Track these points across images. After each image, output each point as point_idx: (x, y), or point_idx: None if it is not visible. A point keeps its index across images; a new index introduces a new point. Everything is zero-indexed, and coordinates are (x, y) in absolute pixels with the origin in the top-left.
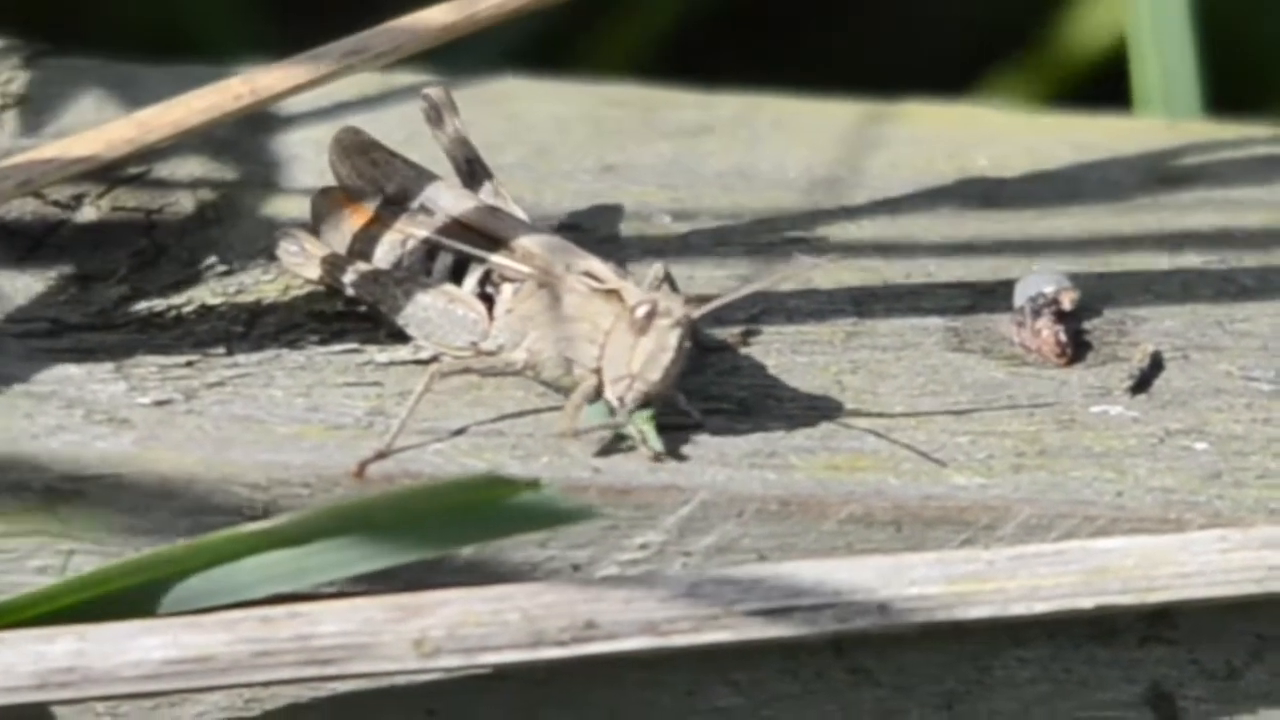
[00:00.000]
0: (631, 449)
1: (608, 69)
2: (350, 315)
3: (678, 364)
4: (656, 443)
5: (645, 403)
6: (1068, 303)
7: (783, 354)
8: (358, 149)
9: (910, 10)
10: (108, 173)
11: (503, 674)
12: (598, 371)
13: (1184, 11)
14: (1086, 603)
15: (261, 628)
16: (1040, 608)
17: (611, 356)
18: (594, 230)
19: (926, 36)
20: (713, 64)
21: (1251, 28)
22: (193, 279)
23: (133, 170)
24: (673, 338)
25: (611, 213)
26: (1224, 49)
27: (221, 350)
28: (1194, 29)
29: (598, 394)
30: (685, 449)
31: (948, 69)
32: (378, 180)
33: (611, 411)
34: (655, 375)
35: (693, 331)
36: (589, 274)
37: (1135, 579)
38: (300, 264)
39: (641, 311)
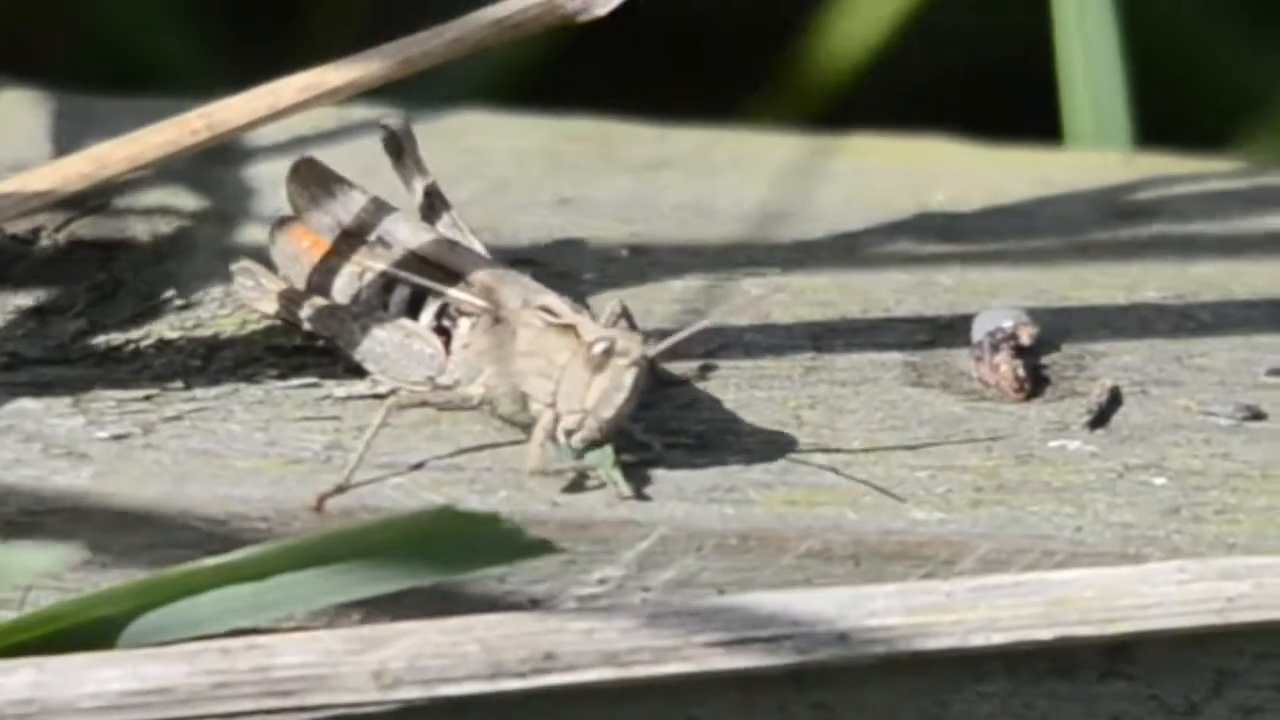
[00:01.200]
0: (599, 486)
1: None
2: (308, 349)
3: (632, 402)
4: (624, 486)
5: (597, 439)
6: (1026, 338)
7: (741, 388)
8: (316, 180)
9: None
10: (65, 206)
11: (462, 706)
12: (553, 406)
13: (1113, 38)
14: (1046, 634)
15: (220, 659)
16: (999, 639)
17: (566, 392)
18: (551, 264)
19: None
20: (665, 97)
21: (1181, 55)
22: (150, 313)
23: (90, 204)
24: (629, 377)
25: (569, 247)
26: (1153, 76)
27: (179, 384)
28: (1123, 57)
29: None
30: (643, 483)
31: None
32: (335, 212)
33: (578, 454)
34: (609, 413)
35: (650, 368)
36: (545, 309)
37: (1094, 610)
38: (257, 298)
39: (598, 349)
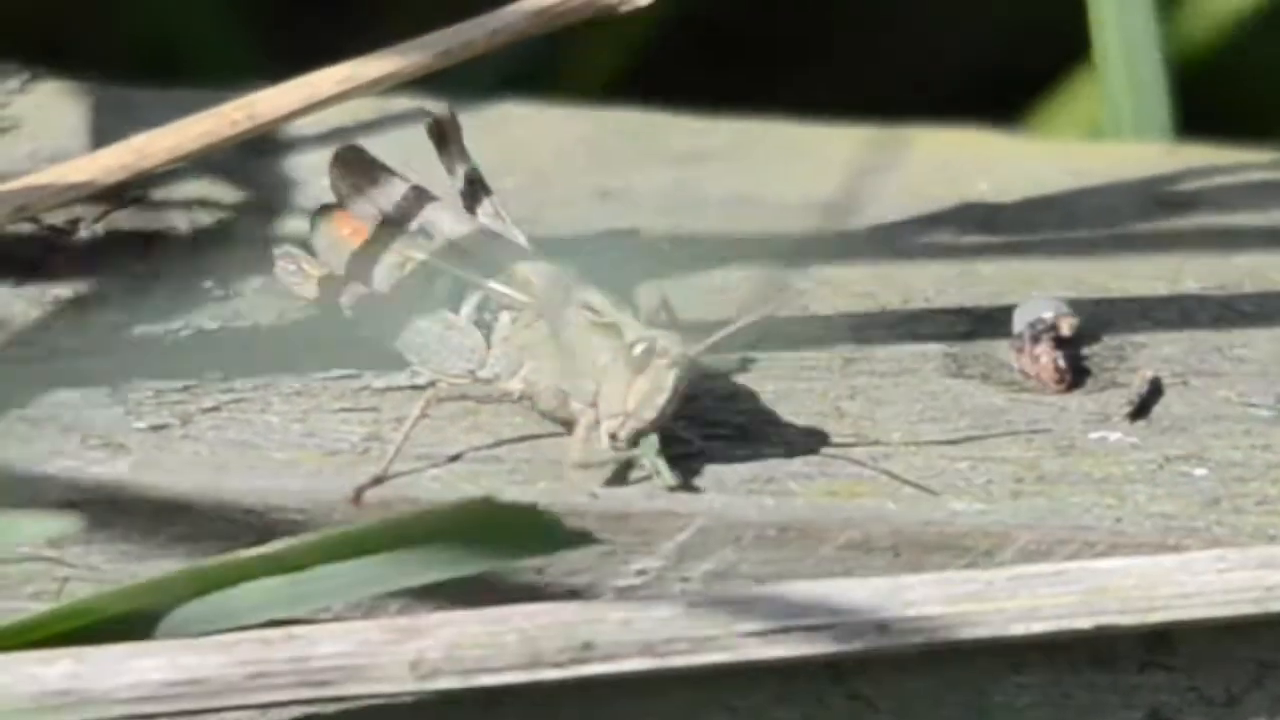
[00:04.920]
0: (643, 479)
1: (605, 93)
2: (347, 339)
3: (673, 403)
4: (669, 476)
5: (638, 439)
6: (1066, 329)
7: (781, 380)
8: (359, 167)
9: (904, 37)
10: (103, 197)
11: (500, 696)
12: (594, 406)
13: (1151, 31)
14: (1085, 623)
15: (258, 649)
16: (1039, 628)
17: (607, 393)
18: (592, 256)
19: (921, 63)
20: (709, 89)
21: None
22: (189, 303)
23: (129, 195)
24: (669, 378)
25: (610, 239)
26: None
27: (218, 375)
28: (1162, 50)
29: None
30: (689, 474)
31: (943, 95)
32: (378, 200)
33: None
34: (651, 415)
35: (691, 367)
36: (587, 305)
37: (1134, 599)
38: (298, 284)
39: (639, 350)
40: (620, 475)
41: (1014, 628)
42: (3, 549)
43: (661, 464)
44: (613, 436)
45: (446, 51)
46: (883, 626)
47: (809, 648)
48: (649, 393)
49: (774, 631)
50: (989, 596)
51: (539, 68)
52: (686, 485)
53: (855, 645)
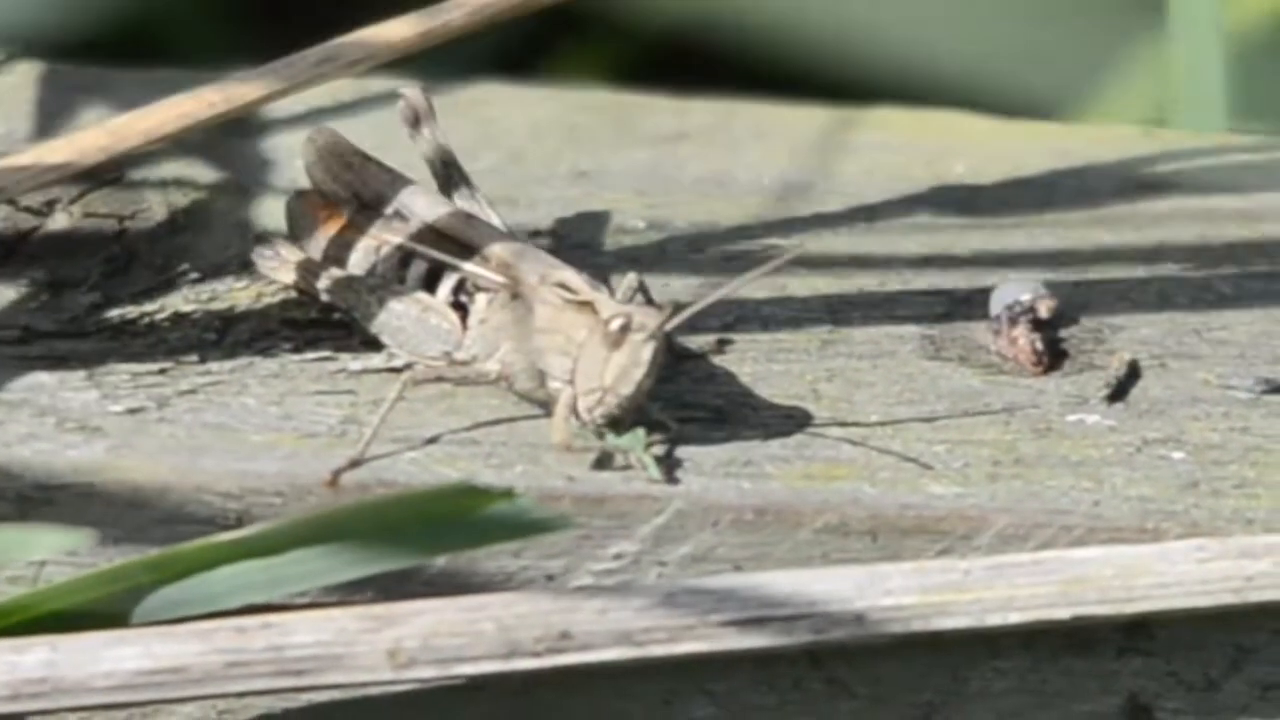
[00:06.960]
0: (625, 467)
1: (582, 76)
2: (324, 322)
3: (650, 378)
4: (654, 470)
5: (616, 415)
6: (1044, 311)
7: (758, 362)
8: (333, 152)
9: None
10: (80, 179)
11: (477, 685)
12: (571, 383)
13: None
14: (1063, 613)
15: (235, 638)
16: (1017, 618)
17: (584, 370)
18: (568, 237)
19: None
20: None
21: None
22: (165, 286)
23: (105, 176)
24: (646, 352)
25: (586, 220)
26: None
27: (194, 358)
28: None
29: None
30: (674, 467)
31: (920, 76)
32: (353, 184)
33: (599, 432)
34: (628, 390)
35: (667, 342)
36: (562, 285)
37: (1113, 589)
38: (275, 269)
39: (615, 325)
40: (603, 463)
41: (991, 618)
42: (21, 561)
43: (648, 458)
44: (589, 411)
45: (425, 32)
46: (860, 617)
47: (787, 637)
48: (626, 367)
49: (751, 621)
50: (967, 586)
51: (525, 51)
52: (671, 480)
53: (833, 635)
